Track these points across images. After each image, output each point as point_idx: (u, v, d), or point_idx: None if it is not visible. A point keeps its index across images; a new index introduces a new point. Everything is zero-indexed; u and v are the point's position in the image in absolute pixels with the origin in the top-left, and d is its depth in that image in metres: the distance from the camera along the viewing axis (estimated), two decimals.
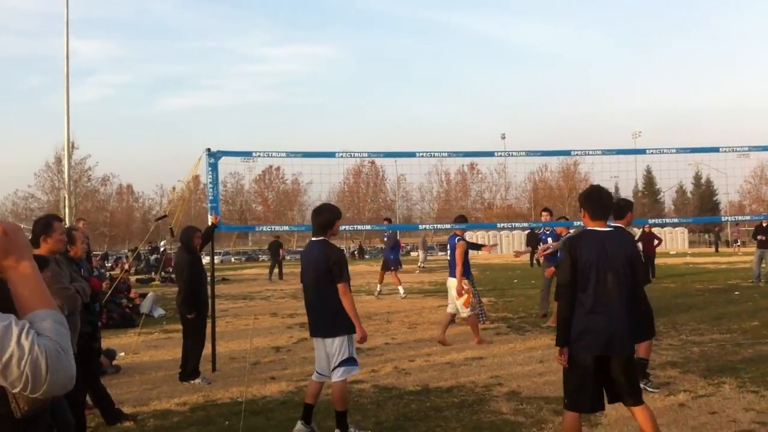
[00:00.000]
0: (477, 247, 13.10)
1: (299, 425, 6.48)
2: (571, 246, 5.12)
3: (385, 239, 22.19)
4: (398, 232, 21.45)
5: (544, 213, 14.08)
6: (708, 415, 6.75)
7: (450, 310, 11.61)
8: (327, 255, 6.41)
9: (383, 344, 11.55)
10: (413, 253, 59.22)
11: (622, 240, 5.17)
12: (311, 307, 6.52)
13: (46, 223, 5.94)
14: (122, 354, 10.75)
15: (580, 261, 4.99)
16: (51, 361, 1.75)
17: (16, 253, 1.92)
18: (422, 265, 36.00)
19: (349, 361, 6.40)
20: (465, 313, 11.31)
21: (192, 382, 8.97)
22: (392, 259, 20.71)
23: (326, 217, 6.60)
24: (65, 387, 1.82)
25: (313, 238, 6.61)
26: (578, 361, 4.99)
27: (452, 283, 11.43)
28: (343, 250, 6.96)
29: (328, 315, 6.38)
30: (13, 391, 1.79)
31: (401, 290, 19.94)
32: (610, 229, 5.16)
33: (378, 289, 20.54)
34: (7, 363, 1.72)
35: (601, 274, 4.94)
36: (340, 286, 6.36)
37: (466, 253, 11.39)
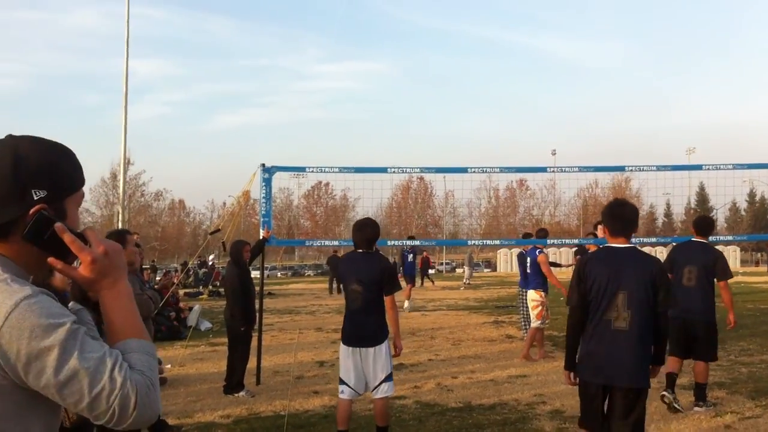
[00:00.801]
0: (557, 265, 13.24)
1: None
2: (580, 264, 4.96)
3: (408, 255, 22.52)
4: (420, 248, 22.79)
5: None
6: None
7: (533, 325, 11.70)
8: (382, 267, 6.51)
9: (427, 360, 11.55)
10: (459, 270, 59.08)
11: (643, 259, 4.82)
12: (357, 317, 6.45)
13: (119, 236, 6.23)
14: (168, 366, 10.91)
15: (588, 281, 4.75)
16: (140, 397, 1.66)
17: (114, 275, 1.81)
18: (468, 281, 35.86)
19: (391, 377, 6.42)
20: (534, 324, 11.52)
21: (236, 395, 9.07)
22: (409, 273, 21.65)
23: (374, 231, 6.69)
24: (150, 421, 1.72)
25: (360, 250, 6.64)
26: (585, 386, 4.88)
27: (532, 295, 11.65)
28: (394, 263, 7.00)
29: (375, 325, 6.39)
30: (96, 423, 1.71)
31: (406, 304, 20.30)
32: (629, 246, 4.85)
33: (406, 304, 20.67)
34: (97, 396, 1.63)
35: (609, 295, 4.68)
36: (389, 298, 6.42)
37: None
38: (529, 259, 11.94)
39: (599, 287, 4.69)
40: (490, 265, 68.04)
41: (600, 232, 13.38)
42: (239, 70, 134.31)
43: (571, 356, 4.94)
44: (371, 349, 6.35)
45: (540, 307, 11.54)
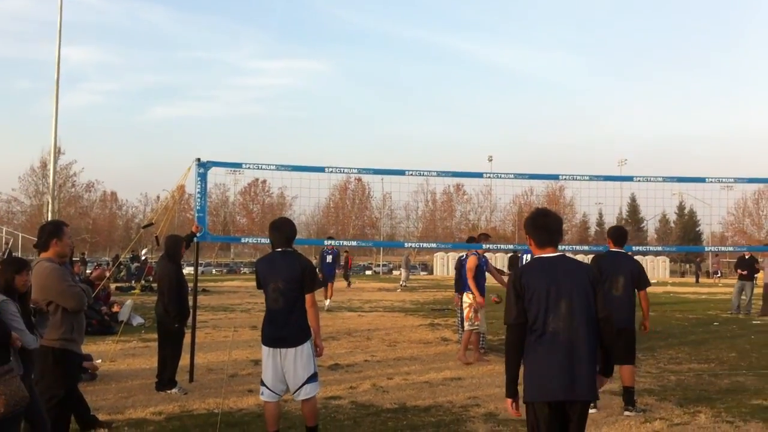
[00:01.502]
0: (502, 272, 13.26)
1: None
2: (515, 278, 4.55)
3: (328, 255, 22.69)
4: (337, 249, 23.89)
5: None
6: None
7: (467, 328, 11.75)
8: (302, 265, 6.43)
9: (363, 361, 11.53)
10: (395, 272, 59.28)
11: (577, 265, 4.62)
12: (277, 317, 6.33)
13: (56, 228, 6.27)
14: (99, 361, 10.65)
15: (526, 293, 4.44)
16: None
17: None
18: (404, 283, 36.02)
19: (315, 377, 6.36)
20: (465, 326, 11.69)
21: (168, 391, 8.92)
22: (329, 273, 22.05)
23: (292, 229, 6.65)
24: None
25: (278, 249, 6.54)
26: (537, 409, 4.39)
27: (464, 299, 11.86)
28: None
29: (296, 325, 6.30)
30: None
31: (327, 303, 20.80)
32: (559, 254, 4.60)
33: (327, 303, 21.03)
34: None
35: (552, 305, 4.39)
36: (310, 296, 6.36)
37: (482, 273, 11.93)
38: (464, 265, 12.14)
39: (539, 298, 4.40)
40: (427, 268, 68.42)
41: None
42: (176, 62, 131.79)
43: (512, 379, 4.48)
44: (291, 350, 6.24)
45: (468, 310, 11.68)
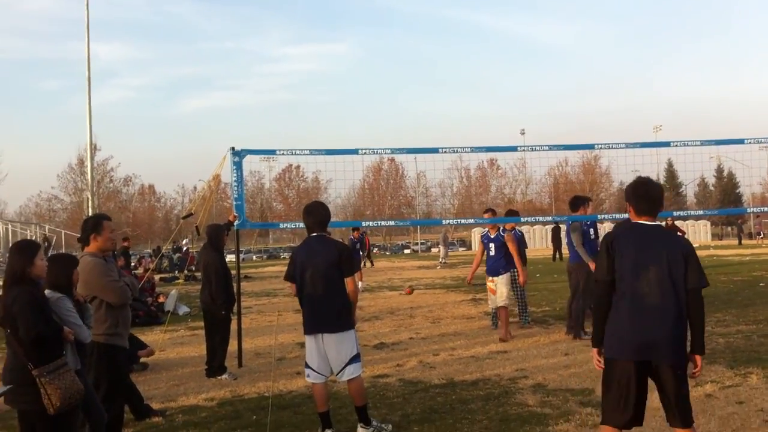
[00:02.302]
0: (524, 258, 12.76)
1: None
2: (608, 239, 4.63)
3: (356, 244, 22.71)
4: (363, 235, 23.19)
5: (485, 214, 12.89)
6: (735, 405, 6.73)
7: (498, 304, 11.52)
8: (339, 249, 6.48)
9: (407, 339, 11.59)
10: (434, 250, 59.26)
11: (671, 236, 4.66)
12: (317, 302, 6.35)
13: (96, 222, 6.27)
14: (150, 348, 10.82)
15: (617, 254, 4.51)
16: None
17: None
18: (444, 260, 36.01)
19: (358, 357, 6.41)
20: (498, 302, 11.43)
21: (219, 378, 9.05)
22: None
23: (325, 214, 6.67)
24: None
25: (314, 234, 6.58)
26: (614, 366, 4.47)
27: (501, 279, 11.43)
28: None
29: (335, 309, 6.33)
30: None
31: (360, 285, 20.57)
32: (656, 224, 4.64)
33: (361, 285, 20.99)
34: None
35: (642, 270, 4.43)
36: (350, 279, 6.41)
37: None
38: (493, 244, 11.72)
39: (629, 261, 4.46)
40: (465, 244, 68.27)
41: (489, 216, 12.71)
42: (203, 53, 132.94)
43: (599, 332, 4.59)
44: (334, 335, 6.29)
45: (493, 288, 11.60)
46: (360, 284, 20.70)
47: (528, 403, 7.15)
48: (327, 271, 6.34)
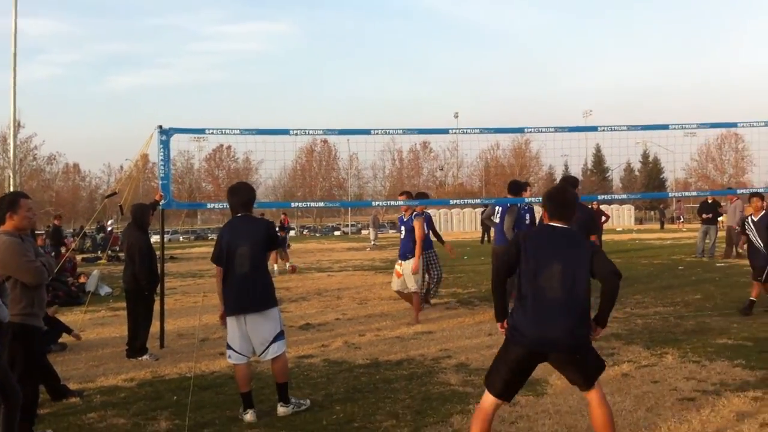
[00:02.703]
0: (438, 236, 12.90)
1: (249, 415, 6.27)
2: (518, 237, 4.90)
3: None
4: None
5: (400, 196, 12.50)
6: (651, 384, 6.92)
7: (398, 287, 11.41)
8: (266, 227, 6.51)
9: (334, 320, 11.57)
10: (364, 232, 59.35)
11: (580, 237, 4.92)
12: (243, 283, 6.29)
13: (12, 200, 6.02)
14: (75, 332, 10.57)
15: (523, 250, 4.72)
16: None
17: None
18: (374, 243, 36.10)
19: (281, 335, 6.39)
20: (413, 288, 11.16)
21: (139, 358, 8.89)
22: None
23: (249, 192, 6.66)
24: None
25: (239, 215, 6.54)
26: (510, 349, 4.68)
27: (407, 265, 11.15)
28: None
29: (260, 288, 6.30)
30: None
31: (275, 268, 20.51)
32: (567, 227, 4.85)
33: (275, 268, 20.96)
34: None
35: (546, 268, 4.64)
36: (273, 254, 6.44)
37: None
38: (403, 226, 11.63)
39: (536, 255, 4.69)
40: (395, 226, 68.56)
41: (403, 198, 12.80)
42: (135, 30, 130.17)
43: (501, 307, 4.93)
44: (259, 314, 6.26)
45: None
46: (275, 267, 20.48)
47: (450, 382, 7.22)
48: (253, 250, 6.32)
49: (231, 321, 6.35)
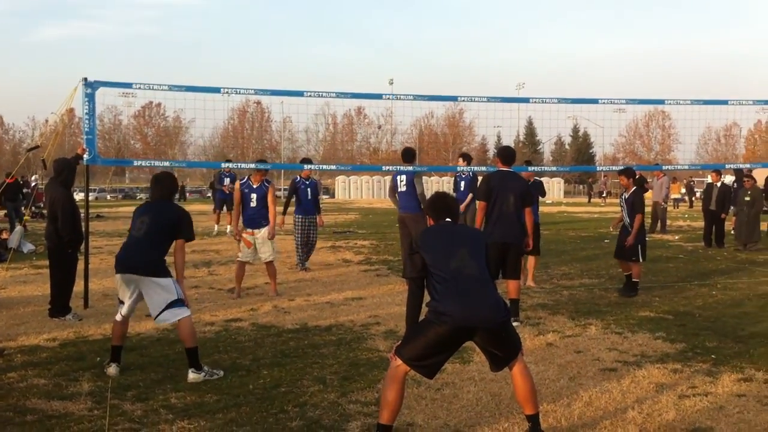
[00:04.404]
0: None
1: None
2: (414, 239, 5.08)
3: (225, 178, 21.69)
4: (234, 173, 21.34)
5: (461, 160, 13.16)
6: (574, 353, 7.07)
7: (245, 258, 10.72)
8: (180, 212, 6.65)
9: (263, 284, 11.49)
10: None
11: (471, 228, 5.35)
12: (135, 244, 6.49)
13: None
14: None
15: (425, 250, 4.85)
16: None
17: None
18: None
19: (178, 303, 6.35)
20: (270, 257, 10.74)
21: (62, 318, 8.68)
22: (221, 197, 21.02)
23: (173, 183, 6.92)
24: None
25: (160, 200, 6.75)
26: (430, 327, 4.65)
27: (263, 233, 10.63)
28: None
29: (150, 257, 6.37)
30: None
31: (216, 229, 21.02)
32: (449, 222, 5.09)
33: (215, 229, 21.21)
34: None
35: (455, 252, 4.78)
36: (181, 241, 6.50)
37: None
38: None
39: (438, 247, 4.84)
40: (328, 192, 68.42)
41: (462, 163, 13.14)
42: None
43: (411, 323, 5.02)
44: (145, 278, 6.30)
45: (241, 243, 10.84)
46: (215, 227, 20.50)
47: (379, 348, 7.26)
48: (159, 222, 6.50)
49: (120, 281, 6.45)
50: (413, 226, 10.57)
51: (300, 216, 13.53)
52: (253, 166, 11.52)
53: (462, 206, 12.31)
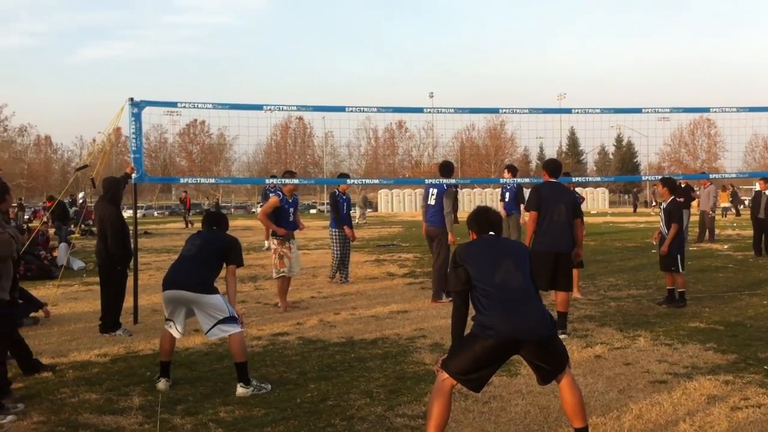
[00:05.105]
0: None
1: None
2: (455, 254, 4.97)
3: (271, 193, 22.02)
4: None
5: (506, 172, 13.71)
6: (623, 366, 6.97)
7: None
8: (230, 240, 6.87)
9: (309, 298, 11.57)
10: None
11: (513, 241, 5.24)
12: (185, 262, 6.69)
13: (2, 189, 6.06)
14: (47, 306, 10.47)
15: (468, 263, 4.80)
16: None
17: None
18: (358, 221, 36.06)
19: (230, 320, 6.40)
20: (273, 273, 10.86)
21: (113, 334, 8.82)
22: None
23: (226, 221, 7.27)
24: None
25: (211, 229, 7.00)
26: (473, 339, 4.66)
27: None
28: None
29: (199, 276, 6.48)
30: None
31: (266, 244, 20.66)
32: (492, 235, 5.05)
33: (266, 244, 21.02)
34: None
35: (498, 265, 4.76)
36: (232, 267, 6.66)
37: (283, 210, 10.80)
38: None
39: (483, 261, 4.83)
40: (371, 205, 68.62)
41: (508, 175, 13.49)
42: (105, 1, 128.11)
43: (457, 337, 4.92)
44: (194, 294, 6.37)
45: (274, 256, 10.86)
46: (265, 242, 20.62)
47: (425, 361, 7.24)
48: (209, 247, 6.74)
49: (167, 299, 6.57)
50: (437, 241, 10.98)
51: (336, 230, 13.61)
52: (296, 181, 11.56)
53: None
